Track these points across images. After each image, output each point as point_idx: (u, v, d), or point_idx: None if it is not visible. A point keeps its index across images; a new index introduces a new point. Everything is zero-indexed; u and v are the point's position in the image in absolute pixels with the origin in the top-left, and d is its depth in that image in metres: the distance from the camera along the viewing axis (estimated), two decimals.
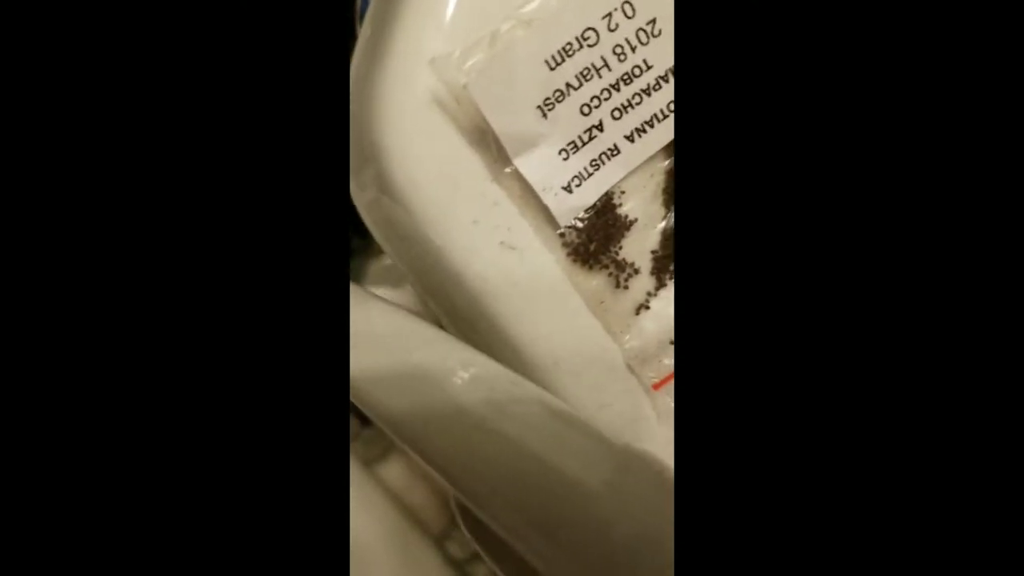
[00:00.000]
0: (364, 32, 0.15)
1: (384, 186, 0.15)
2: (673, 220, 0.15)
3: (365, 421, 0.43)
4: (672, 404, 0.16)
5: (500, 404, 0.13)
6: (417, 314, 0.17)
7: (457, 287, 0.15)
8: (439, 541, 0.45)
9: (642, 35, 0.14)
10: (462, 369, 0.14)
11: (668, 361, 0.16)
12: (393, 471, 0.45)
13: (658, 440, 0.16)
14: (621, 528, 0.12)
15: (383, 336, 0.15)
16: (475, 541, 0.16)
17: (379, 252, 0.52)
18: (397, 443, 0.20)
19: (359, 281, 0.56)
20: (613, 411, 0.16)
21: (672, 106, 0.14)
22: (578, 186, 0.15)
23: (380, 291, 0.40)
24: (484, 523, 0.14)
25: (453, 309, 0.15)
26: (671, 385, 0.16)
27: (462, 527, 0.16)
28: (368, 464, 0.44)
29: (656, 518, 0.12)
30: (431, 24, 0.13)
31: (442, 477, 0.14)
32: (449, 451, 0.13)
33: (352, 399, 0.15)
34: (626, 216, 0.15)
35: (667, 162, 0.15)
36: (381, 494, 0.45)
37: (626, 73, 0.14)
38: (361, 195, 0.16)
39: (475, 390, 0.13)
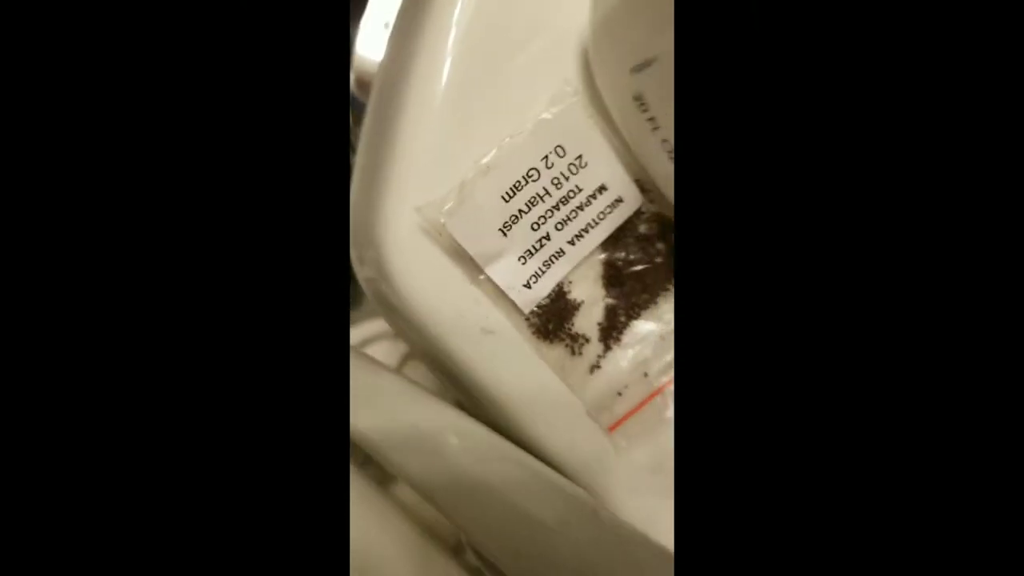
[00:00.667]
0: (358, 170, 0.19)
1: (382, 276, 0.19)
2: (611, 299, 0.20)
3: None
4: (624, 442, 0.20)
5: (484, 461, 0.18)
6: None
7: (448, 360, 0.19)
8: (456, 551, 0.49)
9: (572, 168, 0.18)
10: (453, 435, 0.18)
11: (619, 409, 0.20)
12: (407, 489, 0.49)
13: (616, 471, 0.20)
14: (568, 555, 0.17)
15: (388, 402, 0.20)
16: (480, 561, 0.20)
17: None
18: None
19: (355, 306, 0.60)
20: (581, 450, 0.20)
21: (600, 215, 0.19)
22: (535, 282, 0.19)
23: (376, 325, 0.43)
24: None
25: (444, 375, 0.20)
26: (622, 427, 0.20)
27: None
28: (382, 484, 0.49)
29: (593, 549, 0.17)
30: (414, 178, 0.18)
31: (439, 511, 0.18)
32: (443, 496, 0.18)
33: (359, 446, 0.19)
34: (575, 299, 0.20)
35: (603, 255, 0.20)
36: (397, 511, 0.49)
37: (563, 196, 0.19)
38: (360, 269, 0.20)
39: (464, 452, 0.18)
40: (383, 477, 0.48)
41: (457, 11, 0.18)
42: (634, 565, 0.17)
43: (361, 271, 0.20)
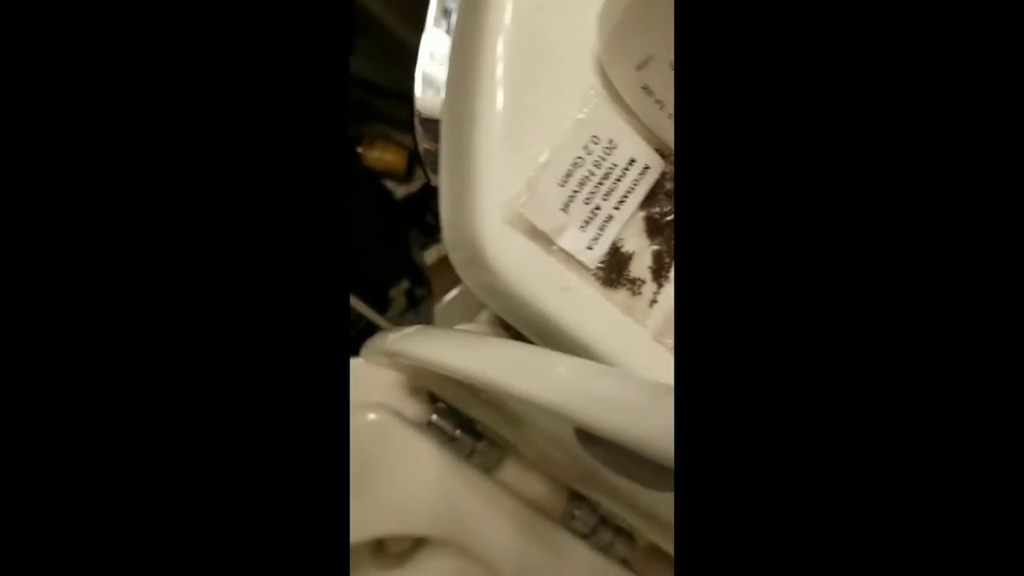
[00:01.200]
0: (445, 193, 0.25)
1: (481, 264, 0.25)
2: (656, 246, 0.25)
3: (478, 436, 0.53)
4: None
5: (589, 376, 0.23)
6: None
7: (539, 317, 0.25)
8: (565, 522, 0.54)
9: (607, 151, 0.24)
10: (560, 363, 0.24)
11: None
12: (510, 474, 0.54)
13: None
14: None
15: (494, 346, 0.25)
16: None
17: (439, 297, 0.62)
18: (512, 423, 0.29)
19: (431, 319, 0.67)
20: (652, 370, 0.25)
21: (634, 182, 0.24)
22: (595, 244, 0.25)
23: (458, 325, 0.50)
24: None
25: (536, 332, 0.25)
26: None
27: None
28: (488, 471, 0.54)
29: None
30: (495, 177, 0.24)
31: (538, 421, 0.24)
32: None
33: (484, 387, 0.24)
34: (627, 252, 0.25)
35: (643, 213, 0.25)
36: (507, 495, 0.55)
37: (604, 174, 0.24)
38: (462, 267, 0.25)
39: (572, 372, 0.23)
40: (488, 466, 0.53)
41: (500, 48, 0.24)
42: None
43: (462, 265, 0.26)
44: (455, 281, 0.64)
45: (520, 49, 0.24)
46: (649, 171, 0.25)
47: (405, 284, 0.61)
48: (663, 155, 0.25)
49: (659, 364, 0.25)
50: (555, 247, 0.24)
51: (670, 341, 0.25)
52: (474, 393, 0.46)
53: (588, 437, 0.23)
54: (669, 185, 0.25)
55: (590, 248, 0.24)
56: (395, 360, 0.30)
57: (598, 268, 0.25)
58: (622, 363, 0.25)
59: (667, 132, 0.24)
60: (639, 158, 0.24)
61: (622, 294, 0.25)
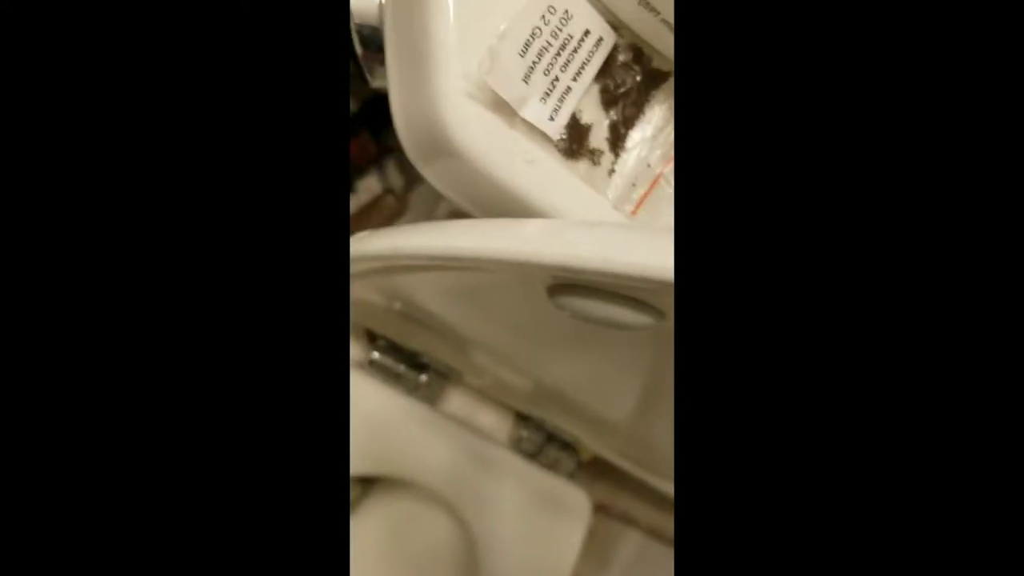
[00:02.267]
0: (395, 84, 0.25)
1: (448, 151, 0.25)
2: (612, 117, 0.26)
3: (422, 368, 0.53)
4: (646, 217, 0.27)
5: (561, 226, 0.24)
6: None
7: (506, 193, 0.25)
8: (514, 444, 0.56)
9: (563, 21, 0.25)
10: (528, 224, 0.24)
11: (635, 196, 0.27)
12: (455, 404, 0.55)
13: None
14: None
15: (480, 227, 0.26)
16: None
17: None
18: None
19: None
20: None
21: (589, 54, 0.25)
22: (556, 115, 0.25)
23: None
24: None
25: (501, 208, 0.26)
26: (641, 209, 0.27)
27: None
28: (432, 403, 0.55)
29: None
30: (451, 51, 0.24)
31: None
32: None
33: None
34: (586, 123, 0.26)
35: (598, 85, 0.26)
36: (453, 424, 0.55)
37: (561, 44, 0.25)
38: (421, 157, 0.26)
39: (539, 227, 0.24)
40: (432, 397, 0.54)
41: None
42: None
43: (422, 155, 0.26)
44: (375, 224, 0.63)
45: None
46: (603, 43, 0.26)
47: None
48: (614, 27, 0.26)
49: None
50: (518, 119, 0.25)
51: (629, 207, 0.27)
52: (419, 320, 0.46)
53: (564, 290, 0.24)
54: (622, 57, 0.26)
55: (552, 119, 0.25)
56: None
57: (560, 139, 0.26)
58: None
59: (617, 3, 0.25)
60: (593, 29, 0.25)
61: (583, 165, 0.26)
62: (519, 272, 0.24)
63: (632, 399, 0.46)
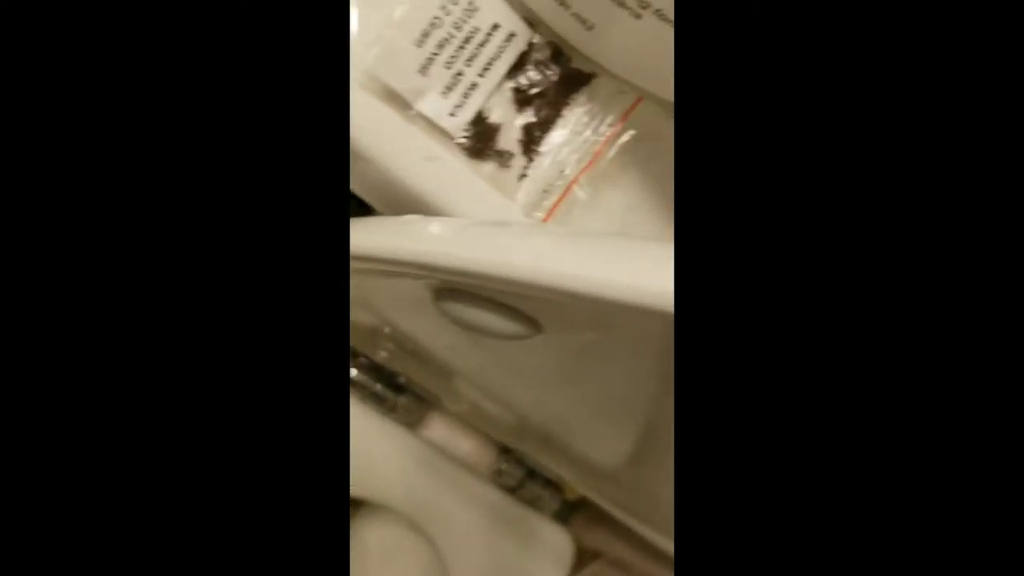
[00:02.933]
0: None
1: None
2: (526, 117, 0.25)
3: (400, 390, 0.52)
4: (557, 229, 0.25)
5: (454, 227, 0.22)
6: None
7: (402, 189, 0.24)
8: (493, 477, 0.53)
9: (468, 13, 0.23)
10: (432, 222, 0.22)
11: (547, 203, 0.25)
12: (436, 428, 0.53)
13: None
14: None
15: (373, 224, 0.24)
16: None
17: None
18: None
19: None
20: None
21: (499, 49, 0.24)
22: (458, 111, 0.24)
23: None
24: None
25: (408, 208, 0.25)
26: (553, 217, 0.25)
27: None
28: (411, 427, 0.53)
29: None
30: (350, 44, 0.23)
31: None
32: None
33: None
34: (495, 123, 0.24)
35: (511, 83, 0.24)
36: (431, 451, 0.54)
37: (465, 37, 0.23)
38: None
39: (441, 226, 0.22)
40: (411, 422, 0.52)
41: None
42: None
43: None
44: None
45: None
46: (515, 39, 0.24)
47: None
48: (530, 23, 0.24)
49: None
50: (413, 112, 0.23)
51: (540, 214, 0.25)
52: (400, 342, 0.45)
53: (444, 294, 0.22)
54: (537, 55, 0.24)
55: (452, 115, 0.24)
56: None
57: (463, 137, 0.24)
58: None
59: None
60: (503, 24, 0.24)
61: (489, 166, 0.24)
62: (398, 271, 0.23)
63: (622, 444, 0.43)
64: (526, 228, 0.21)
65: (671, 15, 0.20)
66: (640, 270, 0.15)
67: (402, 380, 0.51)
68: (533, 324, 0.20)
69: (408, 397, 0.52)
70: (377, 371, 0.51)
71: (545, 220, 0.25)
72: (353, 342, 0.51)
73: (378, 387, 0.51)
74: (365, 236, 0.23)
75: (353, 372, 0.52)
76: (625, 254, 0.16)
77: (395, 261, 0.22)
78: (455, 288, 0.22)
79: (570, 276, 0.16)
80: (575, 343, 0.24)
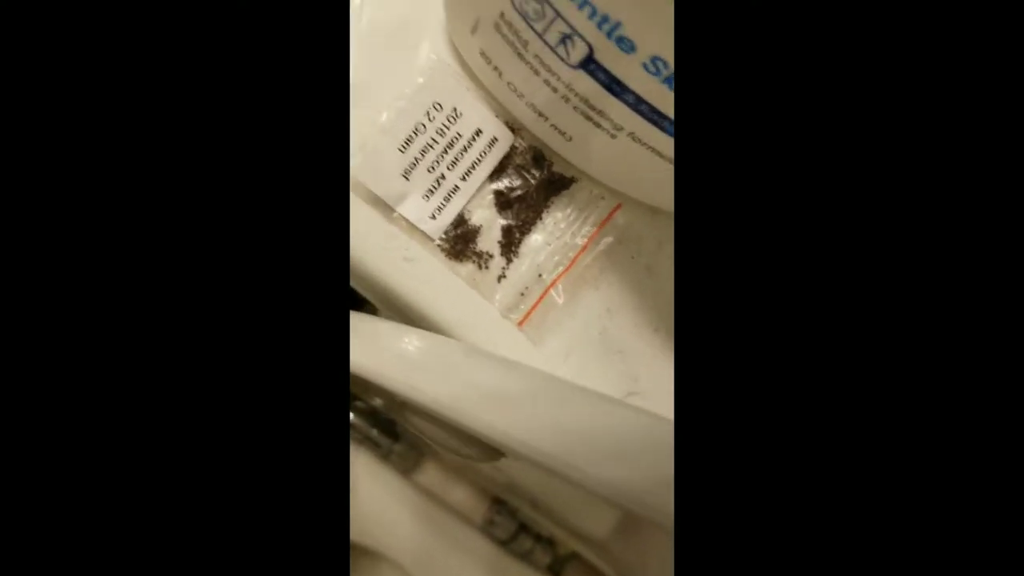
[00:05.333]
0: None
1: None
2: (506, 220, 0.25)
3: (395, 438, 0.52)
4: (533, 333, 0.25)
5: (431, 352, 0.22)
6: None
7: (381, 287, 0.25)
8: (485, 528, 0.54)
9: (451, 119, 0.24)
10: (407, 338, 0.23)
11: (524, 306, 0.25)
12: (430, 476, 0.54)
13: (535, 358, 0.25)
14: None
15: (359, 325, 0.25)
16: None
17: None
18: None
19: None
20: (499, 348, 0.25)
21: (481, 154, 0.24)
22: (439, 214, 0.24)
23: None
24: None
25: (383, 302, 0.25)
26: (529, 320, 0.25)
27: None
28: (406, 474, 0.54)
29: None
30: None
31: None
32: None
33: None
34: (475, 225, 0.25)
35: (492, 186, 0.25)
36: (424, 499, 0.54)
37: (448, 143, 0.24)
38: None
39: (418, 350, 0.23)
40: (406, 468, 0.53)
41: (354, 14, 0.24)
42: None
43: None
44: None
45: (375, 11, 0.24)
46: (498, 143, 0.25)
47: None
48: (512, 128, 0.25)
49: (507, 340, 0.25)
50: (395, 214, 0.24)
51: (516, 317, 0.25)
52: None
53: (409, 407, 0.23)
54: (519, 159, 0.25)
55: (433, 218, 0.24)
56: None
57: (442, 240, 0.25)
58: (468, 337, 0.25)
59: (512, 104, 0.24)
60: (486, 129, 0.24)
61: (468, 267, 0.25)
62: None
63: (608, 518, 0.43)
64: (490, 367, 0.21)
65: (644, 139, 0.21)
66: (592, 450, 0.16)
67: (398, 428, 0.52)
68: (493, 452, 0.21)
69: (404, 444, 0.52)
70: (374, 417, 0.52)
71: (521, 323, 0.25)
72: (351, 388, 0.52)
73: (374, 432, 0.52)
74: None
75: (351, 417, 0.52)
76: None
77: (359, 377, 0.22)
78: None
79: (525, 444, 0.16)
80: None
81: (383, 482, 0.52)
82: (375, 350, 0.22)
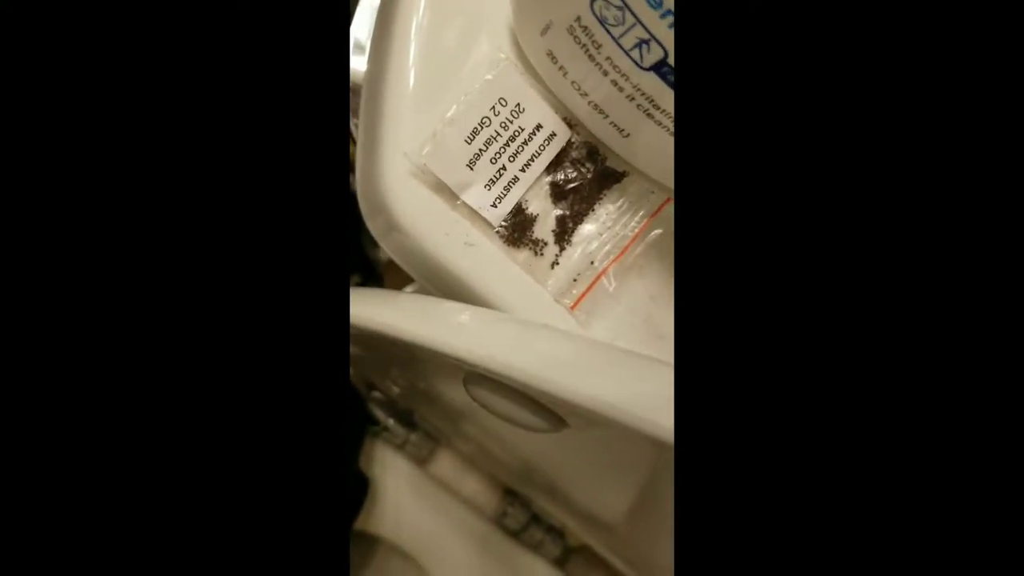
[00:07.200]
0: (360, 147, 0.27)
1: (392, 225, 0.27)
2: (560, 210, 0.27)
3: (412, 427, 0.54)
4: (584, 316, 0.27)
5: (480, 319, 0.25)
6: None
7: (442, 271, 0.27)
8: (497, 519, 0.56)
9: (514, 113, 0.26)
10: (461, 311, 0.25)
11: (576, 291, 0.27)
12: (444, 466, 0.56)
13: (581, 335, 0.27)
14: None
15: (412, 305, 0.27)
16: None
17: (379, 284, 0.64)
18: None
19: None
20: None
21: (540, 147, 0.26)
22: (499, 203, 0.26)
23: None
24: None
25: (440, 286, 0.27)
26: (581, 305, 0.27)
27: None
28: (420, 463, 0.55)
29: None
30: (403, 132, 0.26)
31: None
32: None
33: (394, 338, 0.26)
34: (532, 213, 0.27)
35: (548, 178, 0.27)
36: (439, 489, 0.56)
37: (510, 136, 0.26)
38: (376, 230, 0.27)
39: (468, 317, 0.25)
40: (421, 457, 0.55)
41: (418, 14, 0.26)
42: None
43: (377, 232, 0.28)
44: (408, 279, 0.66)
45: (440, 10, 0.26)
46: (555, 138, 0.27)
47: (356, 279, 0.62)
48: (570, 124, 0.27)
49: (558, 323, 0.27)
50: (459, 202, 0.26)
51: (568, 301, 0.27)
52: (412, 382, 0.47)
53: (475, 379, 0.25)
54: (575, 153, 0.27)
55: (494, 206, 0.26)
56: None
57: (501, 227, 0.27)
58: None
59: (572, 101, 0.26)
60: (546, 124, 0.26)
61: (524, 253, 0.27)
62: (437, 356, 0.25)
63: (623, 501, 0.45)
64: (553, 337, 0.23)
65: None
66: (651, 400, 0.18)
67: (415, 417, 0.53)
68: (558, 420, 0.23)
69: (419, 434, 0.54)
70: (391, 406, 0.54)
71: (573, 307, 0.27)
72: (369, 377, 0.53)
73: (390, 421, 0.54)
74: (399, 316, 0.26)
75: (368, 407, 0.54)
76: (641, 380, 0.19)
77: (427, 348, 0.24)
78: (484, 376, 0.24)
79: (595, 399, 0.18)
80: (593, 434, 0.26)
81: (397, 471, 0.54)
82: (444, 325, 0.24)
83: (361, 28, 0.38)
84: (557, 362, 0.21)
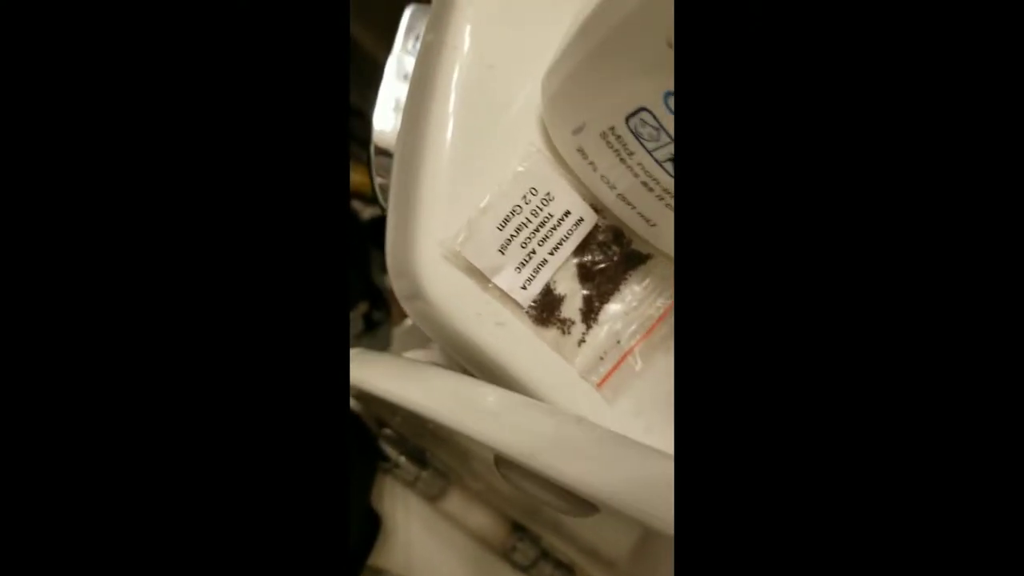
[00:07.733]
0: (392, 218, 0.28)
1: (419, 294, 0.28)
2: (587, 290, 0.28)
3: (423, 465, 0.55)
4: (610, 394, 0.28)
5: (508, 407, 0.26)
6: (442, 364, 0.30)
7: (473, 349, 0.28)
8: (506, 554, 0.57)
9: (544, 202, 0.27)
10: (488, 394, 0.27)
11: (602, 369, 0.28)
12: (453, 503, 0.57)
13: (607, 418, 0.28)
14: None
15: (433, 380, 0.28)
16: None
17: (398, 321, 0.65)
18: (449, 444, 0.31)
19: (388, 344, 0.69)
20: (579, 405, 0.28)
21: (568, 232, 0.28)
22: (529, 284, 0.28)
23: (408, 352, 0.53)
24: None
25: (471, 362, 0.28)
26: (607, 383, 0.28)
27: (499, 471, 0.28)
28: (432, 500, 0.57)
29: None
30: (436, 219, 0.27)
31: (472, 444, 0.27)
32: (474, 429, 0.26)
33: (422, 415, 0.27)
34: (560, 294, 0.28)
35: (576, 260, 0.28)
36: (450, 525, 0.57)
37: (540, 222, 0.27)
38: (403, 294, 0.28)
39: (496, 403, 0.26)
40: (432, 495, 0.56)
41: (452, 99, 0.27)
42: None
43: (403, 295, 0.29)
44: None
45: (472, 102, 0.27)
46: (583, 223, 0.28)
47: (363, 306, 0.63)
48: (596, 209, 0.28)
49: (584, 399, 0.29)
50: (491, 285, 0.27)
51: (595, 379, 0.28)
52: (420, 423, 0.48)
53: (504, 462, 0.26)
54: (601, 237, 0.28)
55: (524, 288, 0.28)
56: None
57: (531, 307, 0.28)
58: (550, 396, 0.28)
59: (600, 191, 0.27)
60: (574, 211, 0.28)
61: (552, 332, 0.28)
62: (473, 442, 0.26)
63: (627, 538, 0.46)
64: (591, 437, 0.25)
65: None
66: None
67: (427, 455, 0.55)
68: (591, 507, 0.24)
69: (430, 472, 0.55)
70: (402, 444, 0.55)
71: (600, 384, 0.29)
72: (379, 414, 0.55)
73: (402, 459, 0.55)
74: (434, 399, 0.27)
75: (379, 444, 0.55)
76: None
77: (464, 434, 0.25)
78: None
79: (644, 513, 0.20)
80: None
81: (408, 508, 0.55)
82: (479, 412, 0.26)
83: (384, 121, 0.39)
84: (601, 466, 0.23)
